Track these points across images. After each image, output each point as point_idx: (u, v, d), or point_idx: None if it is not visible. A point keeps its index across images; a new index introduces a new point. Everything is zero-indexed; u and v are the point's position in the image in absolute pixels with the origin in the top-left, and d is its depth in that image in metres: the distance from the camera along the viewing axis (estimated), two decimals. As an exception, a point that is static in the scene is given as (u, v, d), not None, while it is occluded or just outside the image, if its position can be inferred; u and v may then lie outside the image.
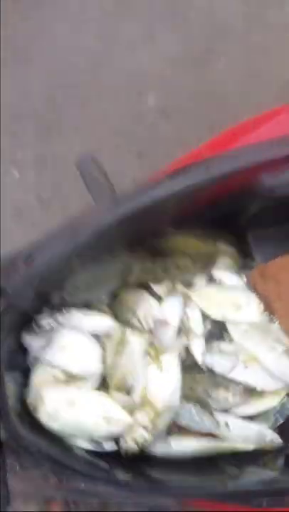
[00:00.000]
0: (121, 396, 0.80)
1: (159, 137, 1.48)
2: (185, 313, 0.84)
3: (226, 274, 0.88)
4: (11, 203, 1.44)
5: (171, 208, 0.78)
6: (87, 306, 0.88)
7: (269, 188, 0.73)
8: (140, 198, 0.70)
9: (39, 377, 0.81)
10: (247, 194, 0.79)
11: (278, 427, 0.79)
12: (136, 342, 0.82)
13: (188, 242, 0.91)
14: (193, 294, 0.85)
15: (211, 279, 0.88)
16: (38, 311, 0.88)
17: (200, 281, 0.88)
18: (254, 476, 0.73)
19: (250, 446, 0.76)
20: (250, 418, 0.80)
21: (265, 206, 0.81)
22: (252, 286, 0.87)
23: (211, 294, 0.85)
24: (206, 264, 0.89)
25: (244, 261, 0.90)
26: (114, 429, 0.76)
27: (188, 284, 0.88)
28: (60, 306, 0.86)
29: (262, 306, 0.83)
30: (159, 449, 0.78)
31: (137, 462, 0.76)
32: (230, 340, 0.82)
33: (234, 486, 0.69)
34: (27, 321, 0.84)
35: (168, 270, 0.88)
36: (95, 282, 0.87)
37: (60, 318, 0.85)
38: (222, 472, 0.72)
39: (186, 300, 0.85)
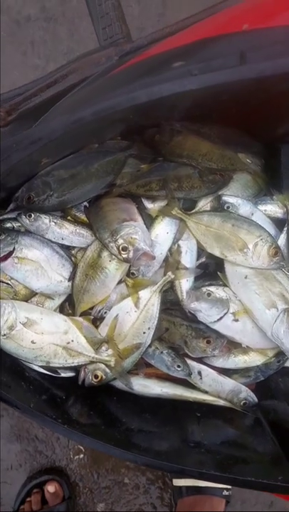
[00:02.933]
0: (87, 324, 0.70)
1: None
2: (177, 244, 0.69)
3: (238, 201, 0.68)
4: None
5: (190, 99, 0.55)
6: (62, 211, 0.72)
7: None
8: (154, 88, 0.47)
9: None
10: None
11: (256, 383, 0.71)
12: (113, 269, 0.69)
13: (200, 144, 0.69)
14: (192, 220, 0.68)
15: (218, 206, 0.69)
16: (2, 205, 0.73)
17: (203, 204, 0.70)
18: (215, 432, 0.68)
19: (220, 402, 0.69)
20: (227, 370, 0.71)
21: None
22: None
23: (213, 222, 0.67)
24: (215, 181, 0.68)
25: (266, 186, 0.69)
26: (75, 361, 0.69)
27: (187, 208, 0.69)
28: (27, 209, 0.69)
29: (273, 251, 0.65)
30: (120, 384, 0.71)
31: (95, 393, 0.71)
32: (224, 285, 0.68)
33: (193, 440, 0.64)
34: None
35: (166, 183, 0.68)
36: (73, 181, 0.68)
37: (27, 221, 0.70)
38: (182, 427, 0.66)
39: (181, 227, 0.68)
